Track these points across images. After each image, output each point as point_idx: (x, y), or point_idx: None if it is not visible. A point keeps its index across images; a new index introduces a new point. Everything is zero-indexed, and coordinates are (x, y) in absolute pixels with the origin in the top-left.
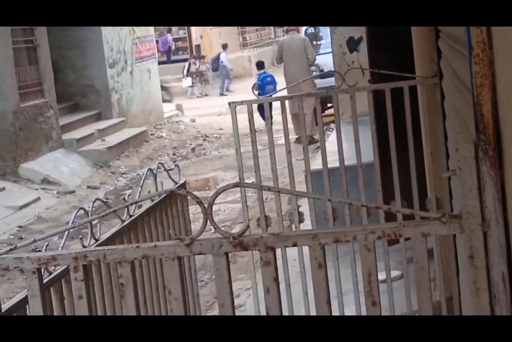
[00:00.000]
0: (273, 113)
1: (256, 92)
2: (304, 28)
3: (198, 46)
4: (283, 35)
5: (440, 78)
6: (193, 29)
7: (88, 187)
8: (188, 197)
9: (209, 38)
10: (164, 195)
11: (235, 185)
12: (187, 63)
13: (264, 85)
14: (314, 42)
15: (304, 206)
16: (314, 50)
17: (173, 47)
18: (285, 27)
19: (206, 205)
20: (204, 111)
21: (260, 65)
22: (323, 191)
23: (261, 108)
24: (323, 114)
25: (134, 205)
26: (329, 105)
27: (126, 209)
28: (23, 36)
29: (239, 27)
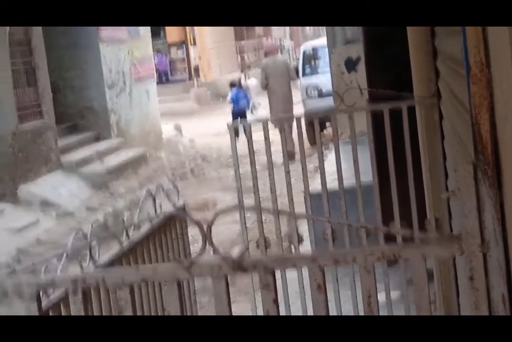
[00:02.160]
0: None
1: (231, 108)
2: (302, 48)
3: (196, 66)
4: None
5: (438, 98)
6: (192, 49)
7: (87, 209)
8: (188, 219)
9: (207, 58)
10: (163, 217)
11: (234, 207)
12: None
13: (238, 101)
14: (312, 62)
15: (303, 226)
16: (294, 71)
17: (168, 68)
18: (264, 51)
19: (205, 227)
20: (203, 132)
21: (233, 84)
22: (323, 212)
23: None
24: (321, 133)
25: (133, 227)
26: (327, 125)
27: (125, 231)
28: (22, 57)
29: (238, 47)
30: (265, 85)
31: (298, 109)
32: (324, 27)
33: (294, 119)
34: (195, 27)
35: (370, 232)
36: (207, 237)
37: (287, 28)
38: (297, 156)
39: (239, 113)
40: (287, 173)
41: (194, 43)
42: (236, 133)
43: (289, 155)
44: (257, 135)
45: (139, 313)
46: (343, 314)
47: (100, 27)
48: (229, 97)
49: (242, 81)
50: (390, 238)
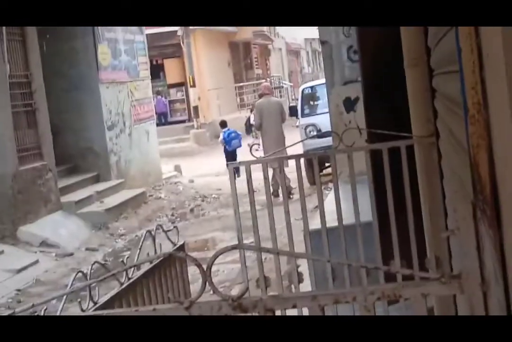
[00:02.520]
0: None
1: (223, 147)
2: (301, 88)
3: (196, 108)
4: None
5: (437, 138)
6: (191, 90)
7: (87, 249)
8: (187, 259)
9: (207, 99)
10: (163, 257)
11: (234, 247)
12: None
13: (230, 141)
14: (311, 102)
15: (304, 265)
16: (285, 113)
17: (168, 109)
18: (260, 92)
19: (204, 267)
20: (203, 172)
21: (222, 124)
22: (322, 251)
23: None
24: (321, 173)
25: (133, 268)
26: (327, 165)
27: (124, 272)
28: (22, 99)
29: (237, 89)
30: (259, 125)
31: (297, 149)
32: (323, 68)
33: (293, 159)
34: (194, 69)
35: (370, 271)
36: (206, 276)
37: (286, 70)
38: (296, 196)
39: (231, 153)
40: (287, 212)
41: (194, 85)
42: (237, 173)
43: (287, 192)
44: (257, 174)
45: None
46: None
47: (100, 69)
48: (221, 138)
49: (252, 121)
50: (390, 277)
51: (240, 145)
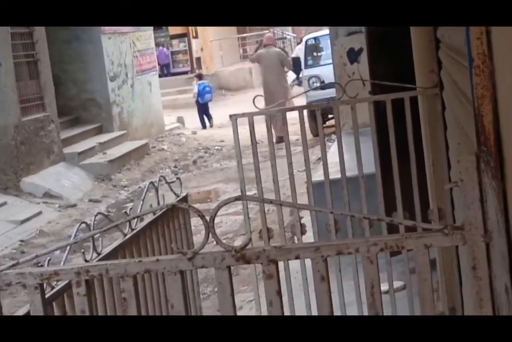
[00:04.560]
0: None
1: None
2: (304, 39)
3: (198, 59)
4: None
5: (441, 89)
6: (194, 41)
7: (90, 201)
8: (190, 210)
9: (210, 50)
10: (166, 208)
11: (237, 198)
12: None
13: (204, 94)
14: (315, 53)
15: (306, 217)
16: (290, 61)
17: (170, 60)
18: (263, 42)
19: (208, 218)
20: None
21: (199, 76)
22: (325, 203)
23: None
24: (324, 125)
25: (136, 219)
26: (330, 116)
27: (128, 222)
28: (24, 50)
29: (240, 39)
30: (255, 60)
31: (300, 101)
32: None
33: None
34: None
35: (373, 222)
36: (209, 227)
37: None
38: (299, 147)
39: (203, 105)
40: (290, 164)
41: (196, 36)
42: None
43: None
44: (259, 127)
45: (142, 304)
46: (346, 304)
47: None
48: (195, 90)
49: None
50: (393, 229)
51: (211, 100)
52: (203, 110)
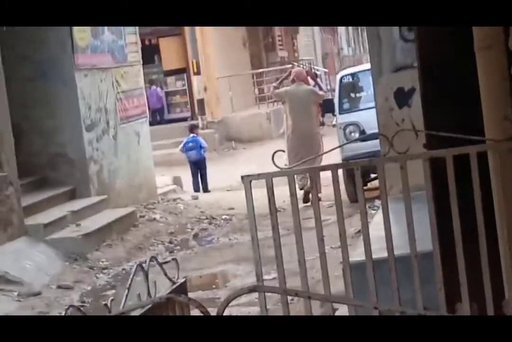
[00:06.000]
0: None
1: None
2: (338, 76)
3: (201, 101)
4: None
5: None
6: (195, 79)
7: (59, 287)
8: (191, 304)
9: (216, 90)
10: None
11: (252, 290)
12: None
13: (187, 150)
14: (352, 95)
15: (342, 308)
16: (323, 95)
17: (164, 103)
18: (292, 77)
19: (213, 314)
20: (210, 186)
21: (191, 129)
22: (367, 291)
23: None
24: (365, 188)
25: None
26: (372, 176)
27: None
28: None
29: (255, 77)
30: (278, 97)
31: (334, 156)
32: (368, 50)
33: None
34: (199, 51)
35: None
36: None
37: (319, 52)
38: (333, 217)
39: (195, 164)
40: (321, 239)
41: (198, 72)
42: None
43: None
44: (280, 189)
45: None
46: None
47: (76, 52)
48: (180, 145)
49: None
50: None
51: (199, 158)
52: (195, 169)
